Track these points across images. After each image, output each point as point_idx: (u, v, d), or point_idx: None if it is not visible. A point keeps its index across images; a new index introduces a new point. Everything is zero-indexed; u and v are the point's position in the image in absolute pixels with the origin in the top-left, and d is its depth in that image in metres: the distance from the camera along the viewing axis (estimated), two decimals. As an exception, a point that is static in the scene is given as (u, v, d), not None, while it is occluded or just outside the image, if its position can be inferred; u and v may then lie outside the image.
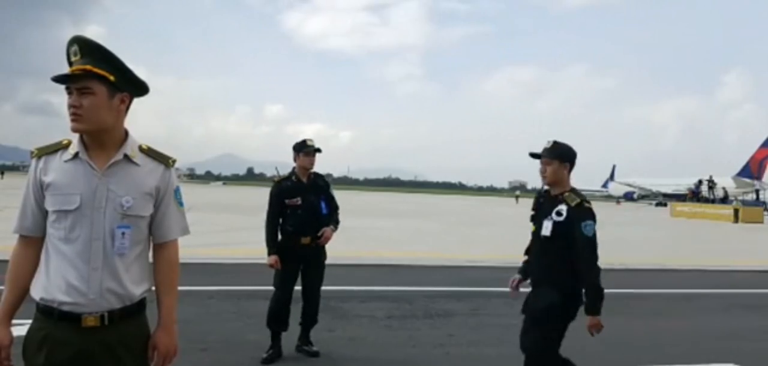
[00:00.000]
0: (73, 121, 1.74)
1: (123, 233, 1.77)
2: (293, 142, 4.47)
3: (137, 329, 1.86)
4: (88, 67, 1.72)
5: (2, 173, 75.92)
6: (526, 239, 3.44)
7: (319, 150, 4.43)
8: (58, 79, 1.73)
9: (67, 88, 1.74)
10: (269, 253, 4.35)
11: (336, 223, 4.51)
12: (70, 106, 1.73)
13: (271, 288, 4.41)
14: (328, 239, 4.40)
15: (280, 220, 4.41)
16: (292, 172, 4.46)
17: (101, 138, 1.79)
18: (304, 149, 4.37)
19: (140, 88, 1.87)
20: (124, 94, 1.80)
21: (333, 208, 4.52)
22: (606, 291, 3.06)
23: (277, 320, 4.32)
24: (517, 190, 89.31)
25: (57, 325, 1.74)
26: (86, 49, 1.75)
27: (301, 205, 4.35)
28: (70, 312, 1.73)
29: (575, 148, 3.22)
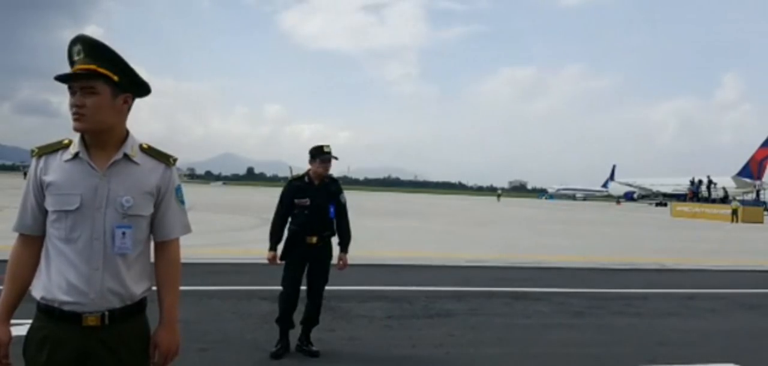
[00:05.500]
0: (75, 120, 1.72)
1: (123, 233, 1.76)
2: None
3: (138, 328, 1.86)
4: (94, 66, 1.71)
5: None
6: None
7: (335, 157, 4.45)
8: (63, 78, 1.71)
9: (70, 88, 1.73)
10: (270, 249, 4.44)
11: (348, 240, 4.60)
12: (73, 105, 1.72)
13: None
14: (345, 266, 4.58)
15: (289, 218, 4.48)
16: (306, 174, 4.51)
17: (102, 138, 1.78)
18: (321, 156, 4.39)
19: (143, 89, 1.87)
20: (127, 95, 1.79)
21: (344, 228, 4.56)
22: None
23: (284, 319, 4.37)
24: (498, 190, 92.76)
25: (58, 325, 1.74)
26: (90, 48, 1.73)
27: (309, 206, 4.39)
28: (71, 312, 1.73)
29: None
